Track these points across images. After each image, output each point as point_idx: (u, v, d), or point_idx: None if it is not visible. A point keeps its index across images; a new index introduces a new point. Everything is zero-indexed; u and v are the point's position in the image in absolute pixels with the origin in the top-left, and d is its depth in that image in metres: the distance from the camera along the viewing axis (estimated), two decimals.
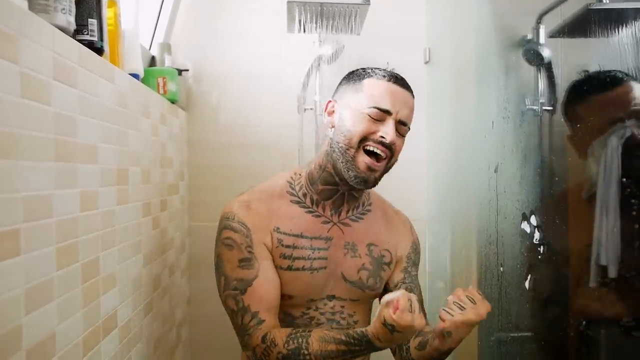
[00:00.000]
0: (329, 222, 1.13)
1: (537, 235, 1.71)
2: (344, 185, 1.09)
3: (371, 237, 1.16)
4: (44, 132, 0.71)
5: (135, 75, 1.21)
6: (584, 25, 1.53)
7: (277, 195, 1.12)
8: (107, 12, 1.02)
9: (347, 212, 1.15)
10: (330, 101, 1.13)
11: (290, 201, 1.12)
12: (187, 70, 1.78)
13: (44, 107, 0.70)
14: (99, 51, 0.94)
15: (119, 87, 1.02)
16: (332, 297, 1.12)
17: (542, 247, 1.72)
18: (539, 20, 1.77)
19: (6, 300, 0.61)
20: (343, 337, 0.96)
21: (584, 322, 1.72)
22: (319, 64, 1.76)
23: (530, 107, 1.79)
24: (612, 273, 1.56)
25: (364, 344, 0.94)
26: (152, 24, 1.66)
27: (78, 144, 0.82)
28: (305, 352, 0.96)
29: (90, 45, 0.90)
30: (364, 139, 1.03)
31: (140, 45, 1.35)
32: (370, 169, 1.04)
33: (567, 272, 1.79)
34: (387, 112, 1.03)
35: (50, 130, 0.72)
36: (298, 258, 1.09)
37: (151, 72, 1.47)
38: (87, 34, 0.91)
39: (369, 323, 1.15)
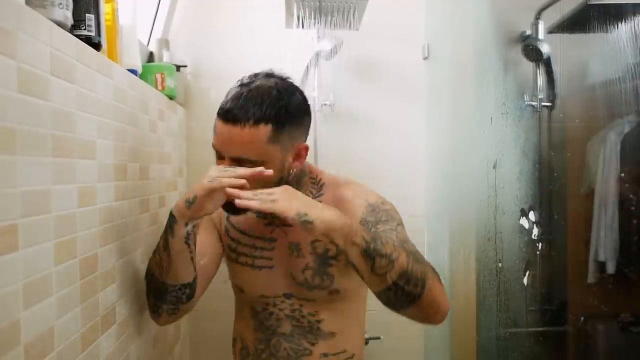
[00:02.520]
0: (271, 224, 1.11)
1: (535, 231, 1.72)
2: None
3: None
4: (42, 128, 0.70)
5: (133, 71, 1.21)
6: (583, 20, 1.53)
7: None
8: (104, 8, 1.02)
9: None
10: None
11: None
12: (186, 66, 1.77)
13: (41, 103, 0.70)
14: (97, 46, 0.93)
15: (117, 83, 1.02)
16: (289, 296, 1.10)
17: (540, 243, 1.72)
18: (537, 16, 1.78)
19: (4, 295, 0.61)
20: None
21: (582, 318, 1.73)
22: (317, 60, 1.76)
23: (529, 103, 1.79)
24: (611, 269, 1.57)
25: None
26: (150, 19, 1.65)
27: (76, 140, 0.81)
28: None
29: (87, 40, 0.90)
30: None
31: (139, 40, 1.35)
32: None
33: (566, 268, 1.79)
34: (219, 154, 1.01)
35: (48, 125, 0.72)
36: (241, 254, 1.12)
37: (149, 68, 1.47)
38: (85, 29, 0.90)
39: (346, 323, 1.12)
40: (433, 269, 0.93)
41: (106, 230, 0.95)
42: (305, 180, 1.10)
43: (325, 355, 1.11)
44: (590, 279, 1.63)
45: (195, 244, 1.01)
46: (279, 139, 0.96)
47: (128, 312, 1.07)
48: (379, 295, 0.90)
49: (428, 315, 0.91)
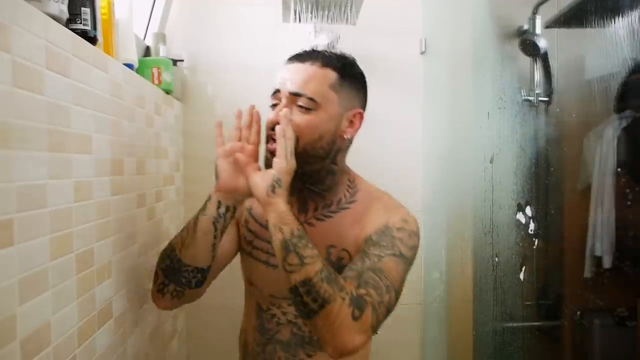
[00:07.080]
0: None
1: (532, 225, 1.72)
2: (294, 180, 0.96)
3: (333, 238, 1.02)
4: (38, 122, 0.70)
5: (129, 65, 1.20)
6: (580, 15, 1.53)
7: None
8: (100, 1, 1.01)
9: (315, 210, 1.05)
10: None
11: None
12: (182, 60, 1.77)
13: (37, 97, 0.70)
14: (93, 40, 0.93)
15: (113, 77, 1.01)
16: None
17: (537, 237, 1.73)
18: (535, 11, 1.77)
19: (0, 290, 0.61)
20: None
21: (578, 312, 1.73)
22: None
23: (526, 97, 1.79)
24: (607, 263, 1.57)
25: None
26: (146, 13, 1.64)
27: (72, 134, 0.81)
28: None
29: (83, 34, 0.89)
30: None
31: (135, 35, 1.34)
32: (269, 151, 0.98)
33: (562, 262, 1.80)
34: (276, 92, 0.98)
35: (44, 119, 0.72)
36: (257, 248, 1.07)
37: (146, 62, 1.46)
38: (80, 23, 0.90)
39: None
40: (359, 301, 0.83)
41: (102, 225, 0.95)
42: (343, 180, 1.06)
43: None
44: (587, 273, 1.63)
45: (222, 232, 0.99)
46: (340, 90, 0.98)
47: (124, 307, 1.07)
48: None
49: (323, 339, 0.84)
